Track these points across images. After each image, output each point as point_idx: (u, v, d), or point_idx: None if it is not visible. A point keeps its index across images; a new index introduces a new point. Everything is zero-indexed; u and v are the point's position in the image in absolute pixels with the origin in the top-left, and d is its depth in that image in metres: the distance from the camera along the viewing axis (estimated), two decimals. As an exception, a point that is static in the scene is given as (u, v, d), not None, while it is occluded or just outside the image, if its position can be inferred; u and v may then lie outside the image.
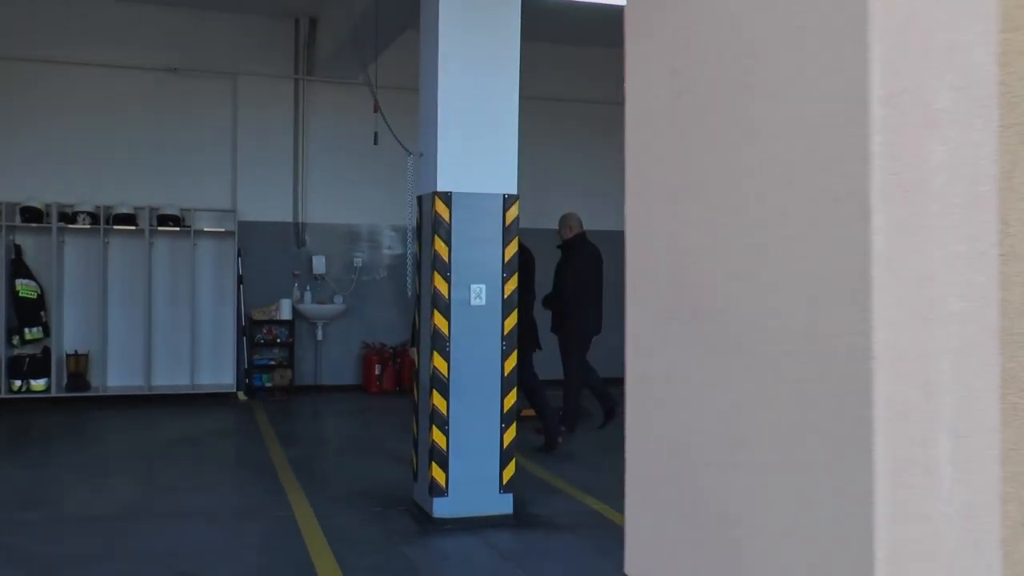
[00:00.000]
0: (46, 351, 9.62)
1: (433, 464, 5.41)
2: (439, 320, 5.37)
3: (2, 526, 5.50)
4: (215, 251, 10.24)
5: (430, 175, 5.50)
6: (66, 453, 7.62)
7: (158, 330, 10.00)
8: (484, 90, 5.46)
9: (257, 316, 10.18)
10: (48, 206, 9.51)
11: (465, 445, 5.44)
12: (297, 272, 10.62)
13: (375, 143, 7.43)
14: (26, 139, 9.72)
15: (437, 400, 5.39)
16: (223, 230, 10.14)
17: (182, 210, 9.97)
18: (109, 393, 9.75)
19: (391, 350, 10.86)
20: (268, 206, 10.43)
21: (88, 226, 9.61)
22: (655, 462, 1.47)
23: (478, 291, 5.43)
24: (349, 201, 10.74)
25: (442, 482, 5.40)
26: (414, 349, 6.96)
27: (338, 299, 10.70)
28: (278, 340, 10.25)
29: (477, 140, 5.45)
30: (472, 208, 5.43)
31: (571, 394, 8.22)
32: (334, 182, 10.70)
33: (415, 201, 5.79)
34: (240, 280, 10.17)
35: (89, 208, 9.62)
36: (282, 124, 10.52)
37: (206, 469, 7.09)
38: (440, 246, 5.37)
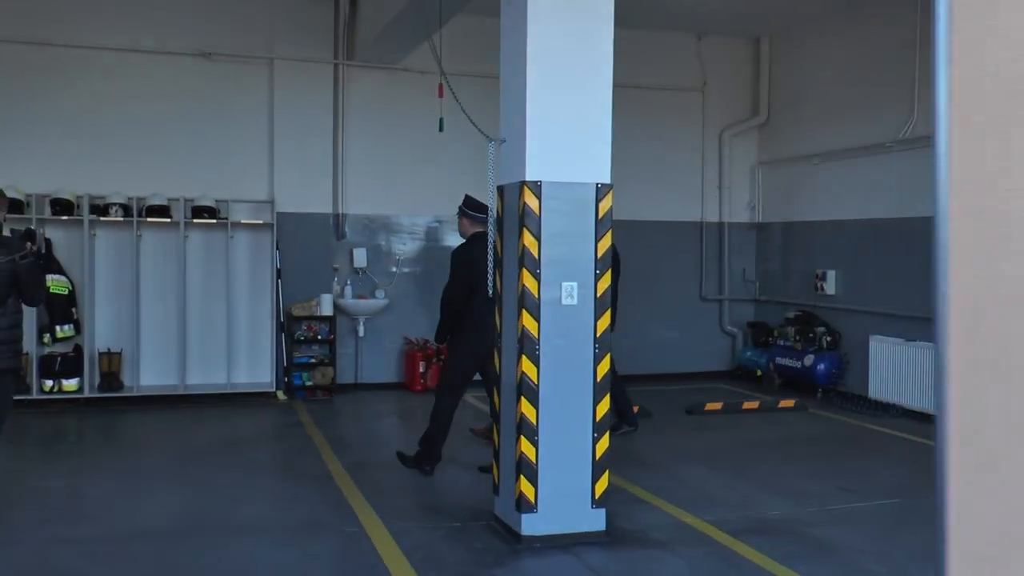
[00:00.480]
0: (78, 349, 9.19)
1: (521, 478, 4.96)
2: (528, 321, 4.92)
3: (53, 545, 5.07)
4: (251, 244, 9.80)
5: (515, 163, 5.04)
6: (104, 459, 7.19)
7: (193, 327, 9.56)
8: (576, 72, 5.00)
9: (297, 312, 9.74)
10: (79, 198, 9.07)
11: (555, 456, 5.00)
12: (337, 266, 10.18)
13: (440, 129, 6.94)
14: (55, 128, 9.27)
15: (525, 408, 4.95)
16: (260, 222, 9.69)
17: (217, 201, 9.53)
18: (143, 393, 9.33)
19: (434, 347, 10.41)
20: (306, 197, 9.97)
21: (121, 218, 9.17)
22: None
23: (569, 289, 4.98)
24: (390, 191, 10.28)
25: (531, 497, 4.96)
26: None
27: (380, 294, 10.26)
28: (319, 337, 9.80)
29: (568, 125, 4.99)
30: (563, 199, 4.97)
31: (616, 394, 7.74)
32: (375, 171, 10.24)
33: (495, 191, 5.33)
34: (278, 274, 9.73)
35: (121, 200, 9.18)
36: (321, 111, 10.05)
37: (257, 477, 6.66)
38: (529, 240, 4.91)
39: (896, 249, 9.47)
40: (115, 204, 9.13)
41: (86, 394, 9.10)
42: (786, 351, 10.53)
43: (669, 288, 11.44)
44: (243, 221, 9.62)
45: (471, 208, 6.74)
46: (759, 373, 11.04)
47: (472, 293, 6.40)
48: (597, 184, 5.04)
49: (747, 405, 9.42)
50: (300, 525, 5.46)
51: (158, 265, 9.51)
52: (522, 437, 4.96)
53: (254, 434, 8.29)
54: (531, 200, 4.91)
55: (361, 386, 10.26)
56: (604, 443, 5.10)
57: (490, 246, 5.32)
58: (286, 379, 9.78)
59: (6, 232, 5.41)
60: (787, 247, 11.23)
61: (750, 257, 11.82)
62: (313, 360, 9.82)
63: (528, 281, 4.92)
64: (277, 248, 9.69)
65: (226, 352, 9.66)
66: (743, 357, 11.42)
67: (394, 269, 10.42)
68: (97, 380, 9.27)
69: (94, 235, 9.20)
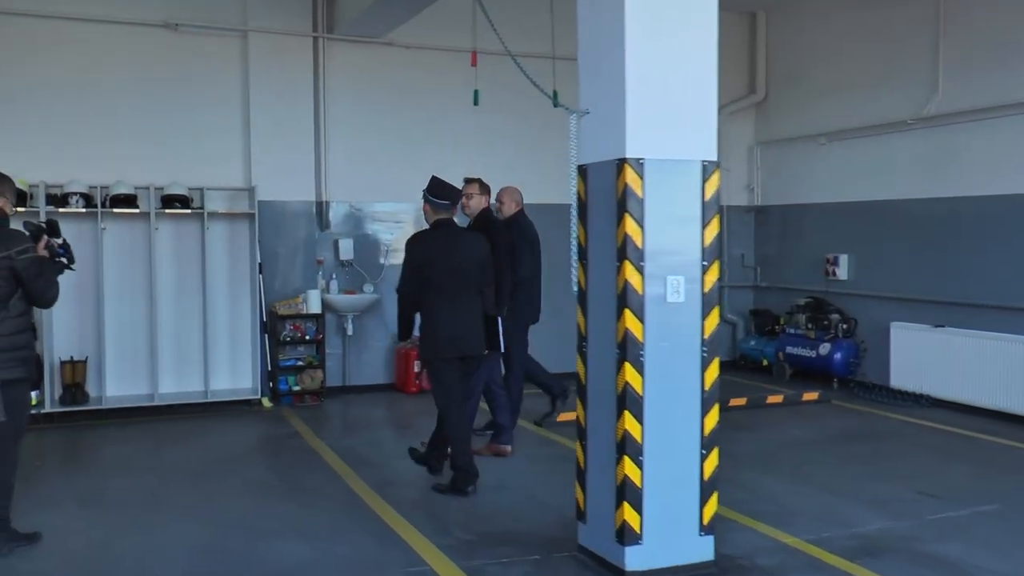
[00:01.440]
0: (36, 359, 8.12)
1: (625, 505, 4.27)
2: (631, 322, 4.22)
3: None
4: (228, 236, 8.83)
5: (608, 138, 4.32)
6: (83, 486, 6.20)
7: (165, 330, 8.57)
8: (680, 31, 4.31)
9: (282, 310, 8.82)
10: (34, 187, 7.99)
11: (661, 478, 4.32)
12: (321, 258, 9.29)
13: (475, 103, 6.16)
14: (6, 108, 8.17)
15: (629, 424, 4.25)
16: (240, 212, 8.74)
17: (190, 189, 8.55)
18: (111, 405, 8.31)
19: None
20: (286, 183, 9.04)
21: (82, 209, 8.12)
22: None
23: (676, 284, 4.29)
24: (377, 176, 9.42)
25: (636, 526, 4.28)
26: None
27: (368, 288, 9.41)
28: (306, 337, 8.91)
29: (672, 94, 4.30)
30: (666, 179, 4.28)
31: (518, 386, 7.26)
32: (361, 155, 9.37)
33: (574, 172, 4.60)
34: (260, 269, 8.81)
35: (82, 188, 8.12)
36: (300, 89, 9.12)
37: (271, 503, 5.79)
38: (632, 227, 4.21)
39: (918, 231, 9.05)
40: (75, 193, 8.08)
41: (47, 408, 8.06)
42: (797, 340, 10.04)
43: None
44: (221, 211, 8.65)
45: (434, 193, 5.98)
46: (765, 363, 10.55)
47: (426, 291, 5.84)
48: (703, 162, 4.37)
49: (771, 399, 8.90)
50: (352, 566, 4.67)
51: (124, 261, 8.49)
52: (626, 457, 4.26)
53: (248, 449, 7.38)
54: (634, 180, 4.20)
55: (350, 389, 9.40)
56: (713, 460, 4.44)
57: (573, 237, 4.59)
58: (271, 384, 8.87)
59: (16, 225, 4.81)
60: (791, 231, 10.74)
61: (748, 241, 11.30)
62: (300, 363, 8.93)
63: (631, 276, 4.21)
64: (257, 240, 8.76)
65: (202, 357, 8.70)
66: (746, 346, 10.91)
67: (382, 261, 9.57)
68: (59, 392, 8.23)
69: (50, 229, 8.12)
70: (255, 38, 8.92)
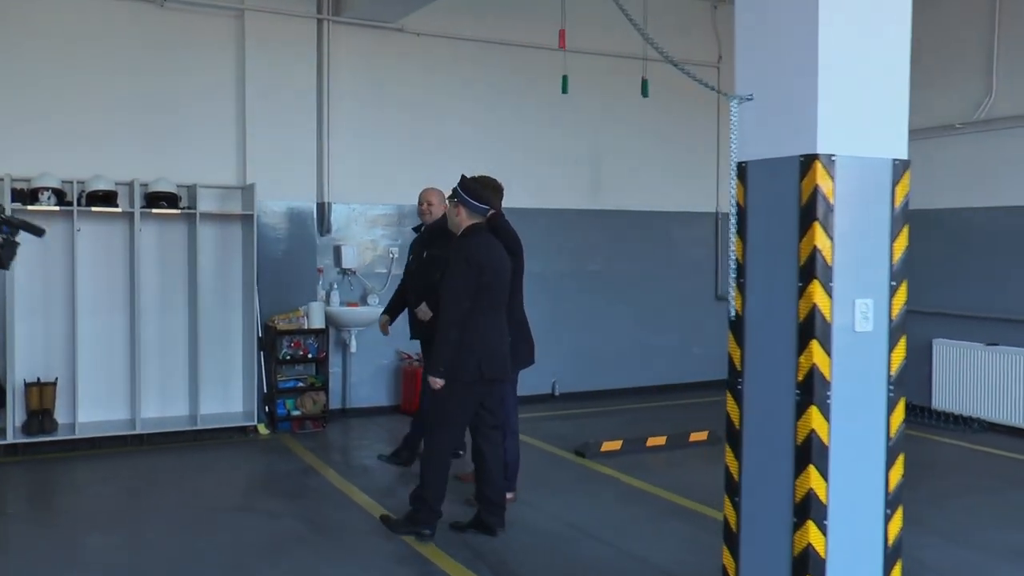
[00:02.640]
0: (-6, 380, 7.01)
1: (807, 579, 3.48)
2: (819, 356, 3.43)
3: None
4: (219, 240, 7.80)
5: (789, 129, 3.53)
6: (50, 546, 5.15)
7: (147, 347, 7.50)
8: (872, 9, 3.55)
9: (282, 325, 7.82)
10: (-2, 181, 6.89)
11: (844, 546, 3.54)
12: (321, 267, 8.31)
13: (564, 91, 5.33)
14: (-38, 88, 7.05)
15: (815, 480, 3.46)
16: (237, 213, 7.71)
17: (179, 187, 7.51)
18: (84, 435, 7.21)
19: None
20: (283, 182, 8.05)
21: (54, 207, 7.02)
22: None
23: (864, 309, 3.52)
24: (384, 176, 8.50)
25: (817, 605, 3.49)
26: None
27: (373, 300, 8.46)
28: (309, 355, 7.92)
29: (866, 79, 3.53)
30: (856, 181, 3.51)
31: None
32: (367, 153, 8.44)
33: (734, 168, 3.81)
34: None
35: (54, 183, 7.03)
36: (302, 77, 8.15)
37: (327, 568, 4.82)
38: (822, 240, 3.42)
39: (966, 243, 8.52)
40: (46, 189, 6.98)
41: (9, 439, 6.93)
42: (828, 357, 9.41)
43: (680, 286, 10.16)
44: (215, 212, 7.62)
45: (472, 194, 5.15)
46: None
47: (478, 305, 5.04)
48: (894, 160, 3.61)
49: (817, 423, 8.22)
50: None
51: (101, 268, 7.42)
52: (809, 522, 3.47)
53: (259, 489, 6.37)
54: (824, 182, 3.41)
55: (351, 412, 8.45)
56: (897, 522, 3.68)
57: (732, 253, 3.78)
58: (267, 408, 7.86)
59: None
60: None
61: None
62: (301, 384, 7.94)
63: (820, 299, 3.43)
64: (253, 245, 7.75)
65: (187, 378, 7.68)
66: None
67: (384, 270, 8.63)
68: (22, 420, 7.10)
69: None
70: (252, 18, 7.91)
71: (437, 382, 5.00)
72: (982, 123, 8.33)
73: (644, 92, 5.60)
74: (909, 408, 8.70)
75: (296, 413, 7.87)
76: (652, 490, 6.16)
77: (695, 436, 7.53)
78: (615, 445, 7.16)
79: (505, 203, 5.72)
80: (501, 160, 8.64)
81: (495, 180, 5.62)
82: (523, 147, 9.00)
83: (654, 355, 9.93)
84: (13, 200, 6.82)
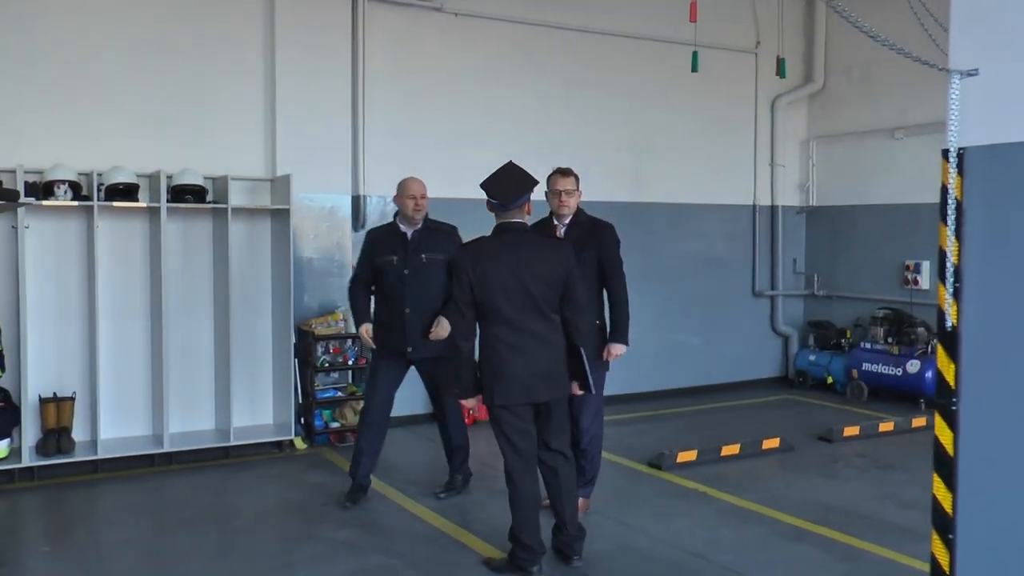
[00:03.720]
0: (6, 397, 6.27)
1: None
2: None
3: None
4: (247, 237, 7.13)
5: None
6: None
7: (173, 355, 6.78)
8: None
9: (320, 330, 7.17)
10: (9, 172, 6.13)
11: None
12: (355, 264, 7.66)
13: (694, 69, 4.79)
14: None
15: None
16: (268, 207, 7.04)
17: (206, 179, 6.82)
18: (105, 455, 6.48)
19: (472, 366, 8.15)
20: (316, 173, 7.38)
21: (70, 202, 6.29)
22: None
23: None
24: (423, 165, 7.83)
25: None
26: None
27: (410, 301, 7.83)
28: (349, 362, 7.29)
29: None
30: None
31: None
32: (405, 140, 7.81)
33: (953, 155, 3.30)
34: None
35: (70, 176, 6.29)
36: (335, 58, 7.48)
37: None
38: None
39: None
40: (61, 182, 6.24)
41: (24, 462, 6.20)
42: (876, 356, 9.03)
43: (718, 283, 9.69)
44: (248, 206, 6.94)
45: (485, 188, 4.53)
46: (830, 380, 9.52)
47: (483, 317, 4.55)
48: None
49: (883, 427, 7.83)
50: None
51: (120, 268, 6.71)
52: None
53: (319, 513, 5.64)
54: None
55: (391, 420, 7.79)
56: None
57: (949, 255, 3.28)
58: (302, 420, 7.21)
59: None
60: (858, 234, 9.71)
61: (799, 246, 10.26)
62: (340, 393, 7.30)
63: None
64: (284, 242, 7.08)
65: (214, 389, 7.02)
66: (805, 362, 9.85)
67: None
68: (37, 439, 6.37)
69: (27, 227, 6.25)
70: (281, -6, 7.24)
71: (467, 403, 4.56)
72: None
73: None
74: (968, 409, 8.35)
75: (335, 425, 7.23)
76: (752, 506, 5.67)
77: (768, 444, 7.06)
78: (690, 455, 6.66)
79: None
80: (542, 149, 8.10)
81: (518, 170, 4.66)
82: (567, 136, 8.44)
83: (687, 354, 9.44)
84: (27, 194, 6.06)
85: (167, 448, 6.61)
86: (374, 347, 5.74)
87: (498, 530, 4.99)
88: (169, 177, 6.58)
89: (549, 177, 5.33)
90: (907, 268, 9.13)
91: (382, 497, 5.89)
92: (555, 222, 5.43)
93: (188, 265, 6.92)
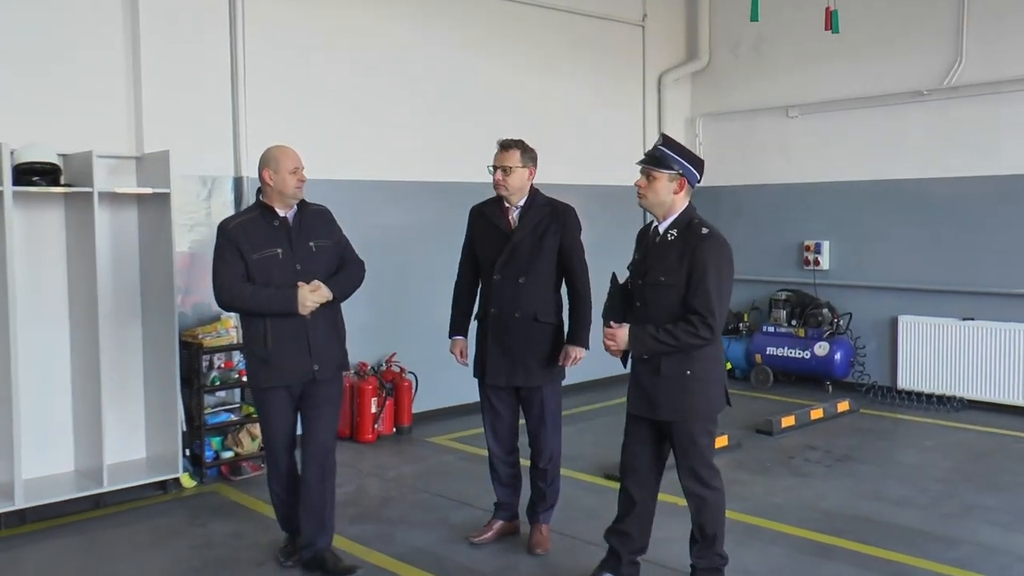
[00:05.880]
0: None
1: None
2: None
3: None
4: (112, 228, 5.72)
5: None
6: None
7: (18, 377, 5.27)
8: None
9: (208, 340, 5.88)
10: None
11: None
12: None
13: (754, 17, 3.97)
14: None
15: None
16: (150, 191, 5.62)
17: (61, 156, 5.36)
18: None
19: (375, 373, 7.14)
20: (189, 150, 6.05)
21: None
22: None
23: None
24: (316, 139, 6.68)
25: None
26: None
27: (306, 301, 6.66)
28: (244, 378, 6.04)
29: None
30: None
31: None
32: (293, 111, 6.61)
33: None
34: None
35: None
36: (210, 15, 6.19)
37: None
38: None
39: (930, 215, 8.14)
40: None
41: None
42: (782, 339, 8.79)
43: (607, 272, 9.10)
44: (118, 191, 5.52)
45: None
46: (729, 366, 9.22)
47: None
48: None
49: (814, 414, 7.53)
50: None
51: (-55, 274, 5.12)
52: None
53: None
54: None
55: (283, 444, 6.62)
56: None
57: None
58: (187, 452, 5.89)
59: None
60: (749, 214, 9.43)
61: (686, 228, 9.88)
62: (234, 416, 6.04)
63: None
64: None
65: (73, 418, 5.59)
66: (701, 349, 9.49)
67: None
68: None
69: None
70: (141, -73, 5.85)
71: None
72: (948, 90, 7.96)
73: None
74: (876, 390, 8.29)
75: (228, 455, 5.98)
76: (748, 519, 5.09)
77: (718, 442, 6.50)
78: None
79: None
80: (453, 120, 7.23)
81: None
82: (464, 105, 7.57)
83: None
84: None
85: (18, 504, 5.13)
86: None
87: None
88: (13, 152, 5.08)
89: None
90: (806, 248, 8.95)
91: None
92: (506, 204, 4.60)
93: (36, 263, 5.43)
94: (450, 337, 4.81)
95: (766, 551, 4.65)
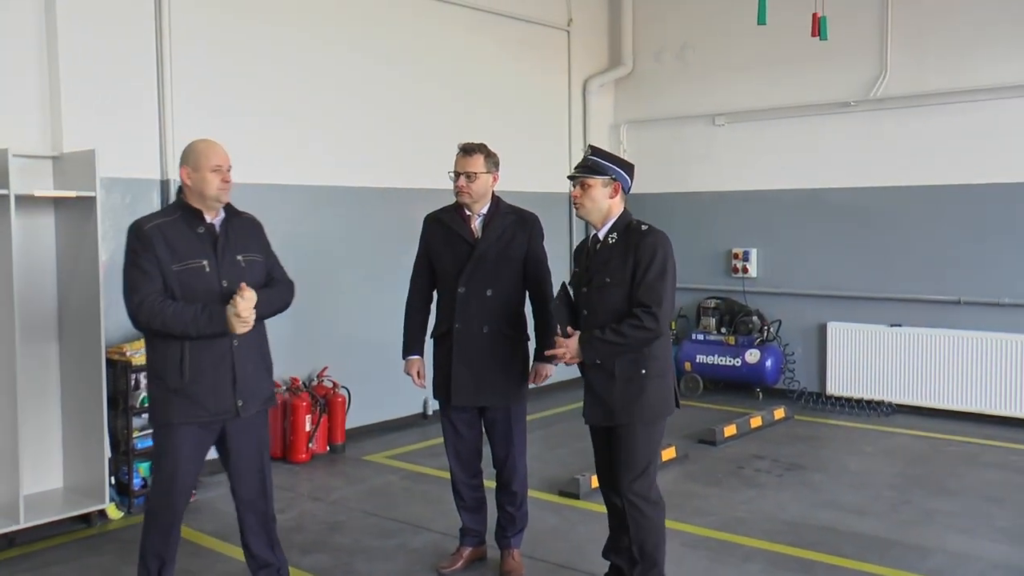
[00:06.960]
0: None
1: None
2: None
3: None
4: (25, 235, 5.18)
5: None
6: None
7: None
8: None
9: (137, 358, 5.39)
10: None
11: None
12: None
13: (761, 20, 3.72)
14: None
15: None
16: (73, 194, 5.10)
17: (-34, 155, 4.82)
18: None
19: (307, 388, 6.76)
20: (110, 150, 5.56)
21: None
22: None
23: None
24: (245, 139, 6.29)
25: None
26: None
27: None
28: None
29: None
30: None
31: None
32: (224, 104, 6.20)
33: None
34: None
35: None
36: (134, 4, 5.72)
37: None
38: None
39: (856, 223, 8.31)
40: None
41: None
42: (712, 347, 8.82)
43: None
44: (37, 194, 4.99)
45: None
46: (658, 375, 9.18)
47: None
48: None
49: (754, 423, 7.54)
50: None
51: None
52: None
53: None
54: None
55: (212, 464, 6.17)
56: None
57: None
58: (112, 480, 5.39)
59: None
60: (673, 223, 9.19)
61: (612, 236, 9.82)
62: (163, 439, 5.56)
63: None
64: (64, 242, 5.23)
65: (-17, 446, 5.03)
66: (629, 357, 9.43)
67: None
68: None
69: None
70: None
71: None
72: (873, 102, 8.14)
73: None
74: (807, 397, 8.39)
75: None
76: (716, 535, 5.00)
77: (666, 455, 6.43)
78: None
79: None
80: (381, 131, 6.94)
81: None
82: (397, 108, 7.30)
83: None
84: None
85: (-79, 543, 4.57)
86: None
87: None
88: (-88, 151, 4.53)
89: None
90: (735, 256, 9.02)
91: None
92: (467, 212, 4.37)
93: (-61, 277, 4.87)
94: (404, 357, 4.48)
95: (744, 569, 4.54)
